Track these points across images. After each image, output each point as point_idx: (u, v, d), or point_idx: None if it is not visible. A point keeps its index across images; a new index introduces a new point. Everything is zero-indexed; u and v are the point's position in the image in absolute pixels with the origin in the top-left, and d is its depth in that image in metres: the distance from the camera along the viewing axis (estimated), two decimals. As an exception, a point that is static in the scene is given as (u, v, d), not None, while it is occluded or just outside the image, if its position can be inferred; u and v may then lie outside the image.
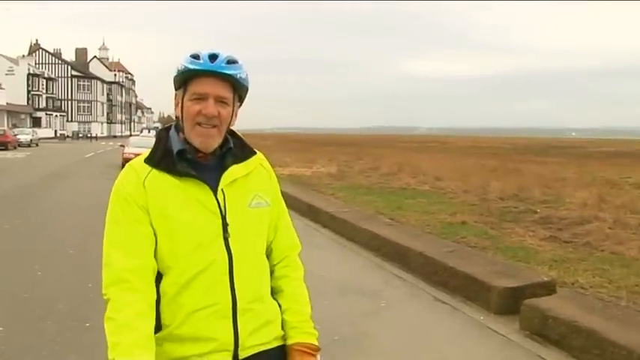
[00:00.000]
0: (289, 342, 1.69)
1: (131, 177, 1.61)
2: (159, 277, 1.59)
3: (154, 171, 1.61)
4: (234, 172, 1.66)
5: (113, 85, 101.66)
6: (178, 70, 1.60)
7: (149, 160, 1.63)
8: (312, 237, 8.17)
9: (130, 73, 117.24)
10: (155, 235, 1.58)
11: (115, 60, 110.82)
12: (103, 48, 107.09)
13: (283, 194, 1.87)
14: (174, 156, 1.62)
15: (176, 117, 1.67)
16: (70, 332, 4.30)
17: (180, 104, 1.63)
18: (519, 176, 15.17)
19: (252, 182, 1.70)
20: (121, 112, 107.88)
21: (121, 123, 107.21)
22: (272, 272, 1.77)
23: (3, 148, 38.39)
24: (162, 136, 1.69)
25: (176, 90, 1.65)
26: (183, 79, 1.60)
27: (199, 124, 1.59)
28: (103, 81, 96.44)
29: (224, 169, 1.65)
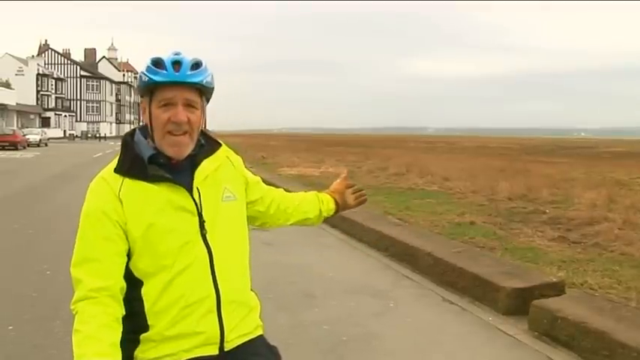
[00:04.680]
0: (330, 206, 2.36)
1: (104, 190, 1.60)
2: (139, 285, 1.59)
3: (127, 180, 1.59)
4: (205, 167, 1.66)
5: (122, 86, 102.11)
6: (142, 81, 1.58)
7: (119, 170, 1.61)
8: (321, 237, 8.15)
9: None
10: (130, 247, 1.58)
11: (124, 60, 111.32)
12: (112, 48, 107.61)
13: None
14: (144, 162, 1.60)
15: (144, 123, 1.67)
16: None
17: (147, 111, 1.62)
18: (528, 176, 15.08)
19: (221, 176, 1.72)
20: (130, 112, 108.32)
21: (130, 123, 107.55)
22: (277, 212, 1.98)
23: (12, 147, 38.70)
24: (128, 142, 1.67)
25: (141, 97, 1.64)
26: (149, 88, 1.59)
27: (170, 132, 1.58)
28: (111, 81, 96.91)
29: (195, 166, 1.65)
